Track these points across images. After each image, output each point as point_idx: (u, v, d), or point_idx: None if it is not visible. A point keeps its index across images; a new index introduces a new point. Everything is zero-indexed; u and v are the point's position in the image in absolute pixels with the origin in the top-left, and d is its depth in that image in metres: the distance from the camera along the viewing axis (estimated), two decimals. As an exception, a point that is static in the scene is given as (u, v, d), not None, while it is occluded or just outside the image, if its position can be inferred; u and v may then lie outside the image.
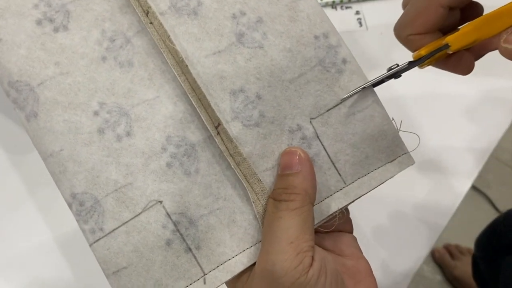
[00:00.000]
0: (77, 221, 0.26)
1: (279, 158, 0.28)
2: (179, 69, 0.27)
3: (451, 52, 0.27)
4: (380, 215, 0.52)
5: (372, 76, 0.30)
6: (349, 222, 0.31)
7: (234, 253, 0.27)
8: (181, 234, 0.26)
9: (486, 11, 0.28)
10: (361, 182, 0.29)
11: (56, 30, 0.27)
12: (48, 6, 0.28)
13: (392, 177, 0.30)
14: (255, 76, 0.28)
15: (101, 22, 0.28)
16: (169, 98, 0.27)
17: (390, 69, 0.29)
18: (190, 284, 0.26)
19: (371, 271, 0.28)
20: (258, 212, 0.27)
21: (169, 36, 0.27)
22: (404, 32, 0.29)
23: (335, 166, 0.29)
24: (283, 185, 0.26)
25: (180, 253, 0.26)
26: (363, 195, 0.29)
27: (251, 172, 0.27)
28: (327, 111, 0.29)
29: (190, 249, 0.26)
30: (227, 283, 0.28)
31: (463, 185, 0.53)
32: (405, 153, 0.30)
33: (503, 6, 0.26)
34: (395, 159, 0.30)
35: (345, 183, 0.29)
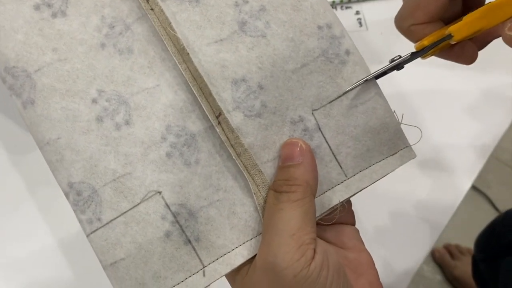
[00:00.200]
0: (74, 211, 0.26)
1: (280, 150, 0.28)
2: (180, 57, 0.27)
3: (454, 43, 0.28)
4: (380, 215, 0.53)
5: (373, 74, 0.30)
6: (351, 214, 0.31)
7: (234, 245, 0.27)
8: (180, 226, 0.27)
9: (488, 0, 0.28)
10: (363, 175, 0.29)
11: (54, 15, 0.28)
12: None
13: (393, 170, 0.30)
14: (257, 66, 0.28)
15: (101, 8, 0.28)
16: (170, 86, 0.27)
17: (392, 60, 0.29)
18: (189, 277, 0.26)
19: (373, 264, 0.29)
20: (259, 204, 0.27)
21: (170, 23, 0.27)
22: (405, 23, 0.29)
23: (336, 159, 0.29)
24: (284, 177, 0.27)
25: (179, 245, 0.26)
26: (364, 188, 0.29)
27: (252, 163, 0.27)
28: (330, 102, 0.29)
29: (189, 241, 0.27)
30: (226, 275, 0.28)
31: (463, 185, 0.54)
32: (407, 146, 0.30)
33: None
34: (396, 152, 0.30)
35: (346, 176, 0.29)
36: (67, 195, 0.26)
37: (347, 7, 0.60)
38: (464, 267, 1.04)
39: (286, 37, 0.29)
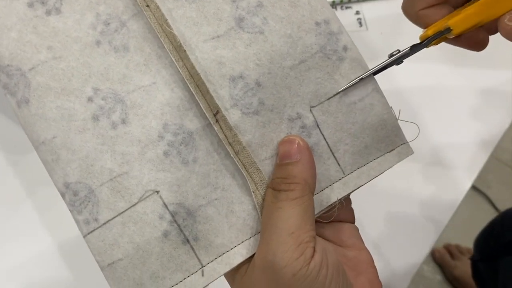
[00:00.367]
0: (71, 211, 0.27)
1: (278, 147, 0.28)
2: (177, 54, 0.27)
3: (452, 36, 0.28)
4: (380, 215, 0.53)
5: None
6: (350, 212, 0.32)
7: (232, 244, 0.28)
8: (178, 225, 0.27)
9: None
10: (360, 172, 0.30)
11: (48, 13, 0.28)
12: None
13: (391, 167, 0.31)
14: (254, 62, 0.28)
15: (95, 5, 0.28)
16: (166, 84, 0.28)
17: (391, 55, 0.29)
18: (188, 277, 0.27)
19: (373, 262, 0.29)
20: (257, 202, 0.28)
21: (166, 20, 0.27)
22: (414, 8, 0.29)
23: (334, 156, 0.29)
24: (282, 175, 0.27)
25: (177, 245, 0.27)
26: (362, 185, 0.30)
27: (250, 161, 0.27)
28: (328, 99, 0.29)
29: (187, 241, 0.27)
30: (225, 275, 0.28)
31: (463, 185, 0.55)
32: (404, 143, 0.31)
33: None
34: (394, 149, 0.31)
35: (344, 173, 0.30)
36: (63, 195, 0.27)
37: (347, 7, 0.61)
38: (464, 267, 1.06)
39: (283, 33, 0.29)
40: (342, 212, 0.30)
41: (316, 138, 0.29)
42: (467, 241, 0.90)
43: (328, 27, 0.30)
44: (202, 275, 0.27)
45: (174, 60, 0.27)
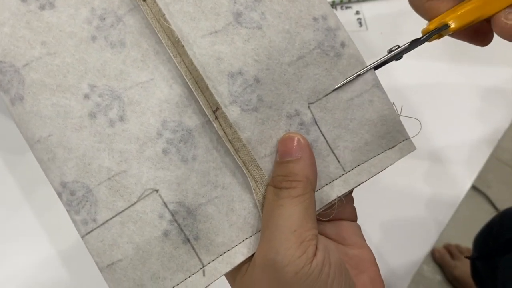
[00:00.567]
0: (68, 211, 0.27)
1: (277, 144, 0.29)
2: (175, 50, 0.28)
3: (451, 33, 0.29)
4: (379, 215, 0.54)
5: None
6: (352, 210, 0.32)
7: (233, 243, 0.28)
8: (178, 224, 0.27)
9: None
10: (361, 169, 0.30)
11: (42, 7, 0.28)
12: None
13: (392, 163, 0.31)
14: (253, 58, 0.29)
15: None
16: (164, 80, 0.28)
17: (390, 50, 0.30)
18: (189, 277, 0.27)
19: (375, 261, 0.30)
20: (258, 200, 0.28)
21: (163, 15, 0.28)
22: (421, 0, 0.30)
23: (333, 153, 0.30)
24: (284, 172, 0.28)
25: (178, 244, 0.27)
26: (363, 182, 0.30)
27: (250, 158, 0.28)
28: (325, 96, 0.30)
29: (188, 240, 0.27)
30: (226, 275, 0.29)
31: (463, 185, 0.56)
32: (406, 139, 0.31)
33: None
34: (395, 145, 0.31)
35: (344, 170, 0.30)
36: (60, 195, 0.27)
37: (347, 7, 0.62)
38: (464, 267, 1.07)
39: (282, 28, 0.29)
40: (344, 210, 0.31)
41: (314, 135, 0.30)
42: (467, 241, 0.91)
43: (325, 22, 0.30)
44: (203, 275, 0.27)
45: (172, 56, 0.28)
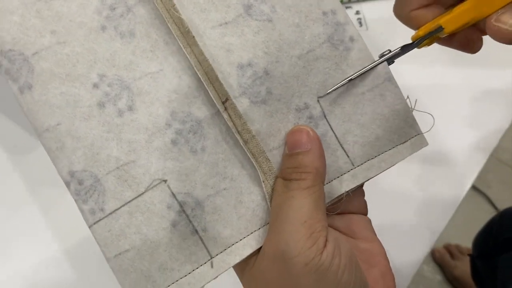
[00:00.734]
0: (76, 201, 0.27)
1: (285, 137, 0.29)
2: (185, 40, 0.28)
3: (444, 35, 0.29)
4: (380, 215, 0.55)
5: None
6: (363, 203, 0.32)
7: (242, 235, 0.28)
8: (187, 215, 0.27)
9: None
10: (371, 164, 0.31)
11: None
12: None
13: (403, 159, 0.31)
14: (263, 51, 0.29)
15: None
16: (174, 71, 0.28)
17: (382, 55, 0.31)
18: (197, 268, 0.27)
19: (385, 254, 0.30)
20: (267, 192, 0.28)
21: (174, 5, 0.28)
22: (405, 9, 0.30)
23: (342, 147, 0.30)
24: (293, 164, 0.28)
25: (186, 235, 0.27)
26: (372, 177, 0.31)
27: (259, 150, 0.28)
28: (335, 90, 0.30)
29: (196, 231, 0.28)
30: (234, 267, 0.29)
31: (463, 185, 0.57)
32: (418, 134, 0.32)
33: None
34: (407, 140, 0.32)
35: (353, 165, 0.31)
36: (68, 184, 0.27)
37: (347, 7, 0.63)
38: (464, 267, 1.09)
39: (292, 22, 0.30)
40: (354, 203, 0.31)
41: (323, 128, 0.30)
42: (467, 241, 0.93)
43: (335, 17, 0.31)
44: (212, 266, 0.28)
45: (182, 47, 0.28)
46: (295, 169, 0.28)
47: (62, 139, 0.27)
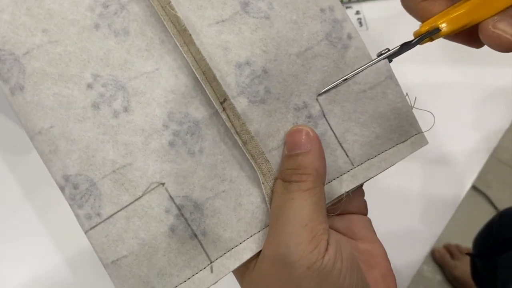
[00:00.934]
0: (71, 205, 0.27)
1: (285, 138, 0.29)
2: (181, 38, 0.28)
3: (442, 36, 0.29)
4: (379, 215, 0.55)
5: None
6: (363, 204, 0.33)
7: (241, 238, 0.28)
8: (185, 219, 0.27)
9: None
10: (371, 164, 0.31)
11: None
12: None
13: (403, 158, 0.31)
14: (261, 49, 0.29)
15: None
16: (170, 70, 0.28)
17: (380, 54, 0.31)
18: (196, 273, 0.27)
19: (386, 255, 0.30)
20: (266, 194, 0.28)
21: (169, 2, 0.28)
22: (414, 0, 0.30)
23: (342, 147, 0.30)
24: (293, 166, 0.28)
25: (185, 240, 0.27)
26: (372, 177, 0.31)
27: (258, 151, 0.28)
28: (335, 88, 0.30)
29: (195, 235, 0.27)
30: (234, 271, 0.29)
31: (463, 185, 0.58)
32: (419, 133, 0.32)
33: None
34: (407, 139, 0.32)
35: (353, 165, 0.31)
36: (62, 189, 0.27)
37: (347, 7, 0.63)
38: (464, 267, 1.10)
39: (289, 19, 0.30)
40: (354, 204, 0.31)
41: (322, 128, 0.30)
42: (467, 241, 0.93)
43: (332, 14, 0.31)
44: (211, 271, 0.27)
45: (178, 45, 0.28)
46: (294, 170, 0.28)
47: (55, 141, 0.27)
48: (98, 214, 0.27)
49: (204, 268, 0.27)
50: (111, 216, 0.27)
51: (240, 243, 0.28)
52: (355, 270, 0.27)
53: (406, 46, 0.30)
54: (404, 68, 0.55)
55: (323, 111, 0.30)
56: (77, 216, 0.27)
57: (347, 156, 0.30)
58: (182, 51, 0.28)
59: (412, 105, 0.32)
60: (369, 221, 0.32)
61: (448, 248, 1.21)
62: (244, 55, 0.29)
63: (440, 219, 0.57)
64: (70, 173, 0.27)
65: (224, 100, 0.28)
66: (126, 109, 0.27)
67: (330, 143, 0.30)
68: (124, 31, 0.28)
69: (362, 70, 0.30)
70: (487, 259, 0.78)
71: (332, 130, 0.30)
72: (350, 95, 0.30)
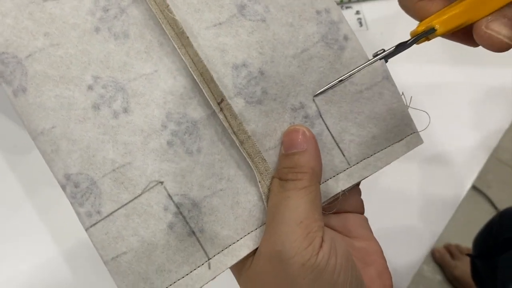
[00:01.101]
0: (72, 204, 0.28)
1: (281, 137, 0.30)
2: (179, 41, 0.29)
3: (437, 36, 0.29)
4: (379, 215, 0.55)
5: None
6: (359, 202, 0.33)
7: (239, 236, 0.29)
8: (183, 217, 0.28)
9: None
10: (367, 163, 0.32)
11: None
12: None
13: (398, 157, 0.32)
14: (257, 51, 0.30)
15: None
16: (168, 72, 0.29)
17: (375, 55, 0.31)
18: (194, 269, 0.28)
19: (382, 253, 0.31)
20: (263, 193, 0.29)
21: (167, 6, 0.29)
22: (411, 0, 0.30)
23: (338, 146, 0.31)
24: (289, 164, 0.29)
25: (183, 237, 0.28)
26: (367, 176, 0.32)
27: (255, 150, 0.29)
28: (331, 88, 0.31)
29: (193, 232, 0.28)
30: (231, 268, 0.30)
31: (463, 185, 0.58)
32: (414, 132, 0.33)
33: None
34: (403, 138, 0.32)
35: (349, 164, 0.31)
36: (63, 187, 0.28)
37: (347, 7, 0.64)
38: (464, 267, 1.11)
39: (285, 21, 0.31)
40: (350, 202, 0.32)
41: (319, 128, 0.31)
42: (467, 241, 0.94)
43: (328, 15, 0.31)
44: (209, 267, 0.28)
45: (176, 47, 0.29)
46: (291, 169, 0.28)
47: (57, 142, 0.28)
48: (98, 212, 0.28)
49: (202, 264, 0.28)
50: (111, 214, 0.28)
51: (237, 241, 0.29)
52: (350, 267, 0.28)
53: (402, 46, 0.31)
54: (404, 68, 0.55)
55: (319, 111, 0.31)
56: (78, 214, 0.28)
57: (344, 155, 0.31)
58: (180, 53, 0.29)
59: (408, 105, 0.32)
60: (366, 219, 0.33)
61: (448, 248, 1.21)
62: (241, 57, 0.29)
63: (440, 219, 0.57)
64: (71, 172, 0.28)
65: (221, 100, 0.29)
66: (125, 110, 0.28)
67: (326, 143, 0.31)
68: (124, 34, 0.29)
69: (358, 71, 0.31)
70: (487, 259, 0.79)
71: (329, 130, 0.31)
72: (347, 96, 0.31)
